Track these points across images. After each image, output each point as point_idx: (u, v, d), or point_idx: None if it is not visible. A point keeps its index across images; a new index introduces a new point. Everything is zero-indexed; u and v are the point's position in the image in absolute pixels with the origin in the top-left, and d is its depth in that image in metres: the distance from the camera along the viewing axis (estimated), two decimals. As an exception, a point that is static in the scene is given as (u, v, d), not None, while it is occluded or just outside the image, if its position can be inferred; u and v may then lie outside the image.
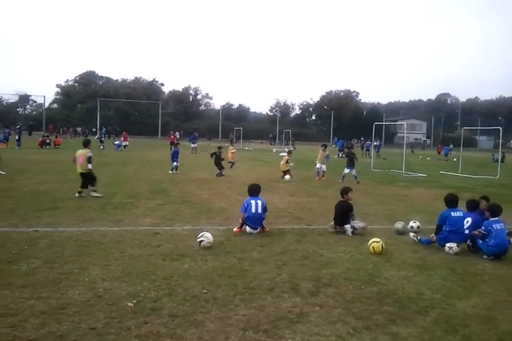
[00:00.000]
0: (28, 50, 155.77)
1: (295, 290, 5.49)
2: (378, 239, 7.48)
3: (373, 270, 6.51)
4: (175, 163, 19.70)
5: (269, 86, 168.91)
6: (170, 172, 19.44)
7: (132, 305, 4.84)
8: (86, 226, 8.61)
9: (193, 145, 38.74)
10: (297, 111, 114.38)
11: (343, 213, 8.88)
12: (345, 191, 9.27)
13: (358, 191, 10.20)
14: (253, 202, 8.58)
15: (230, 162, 22.53)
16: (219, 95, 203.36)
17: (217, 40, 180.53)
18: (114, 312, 4.62)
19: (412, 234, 8.42)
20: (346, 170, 18.75)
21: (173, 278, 5.77)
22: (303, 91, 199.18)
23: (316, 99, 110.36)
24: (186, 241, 7.64)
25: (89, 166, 12.33)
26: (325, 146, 20.77)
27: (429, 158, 43.89)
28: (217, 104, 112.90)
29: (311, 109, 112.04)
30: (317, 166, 20.04)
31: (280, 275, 6.08)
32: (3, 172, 16.58)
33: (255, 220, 8.50)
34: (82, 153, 12.51)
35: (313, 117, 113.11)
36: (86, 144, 12.92)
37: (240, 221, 8.59)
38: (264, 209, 8.65)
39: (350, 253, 7.35)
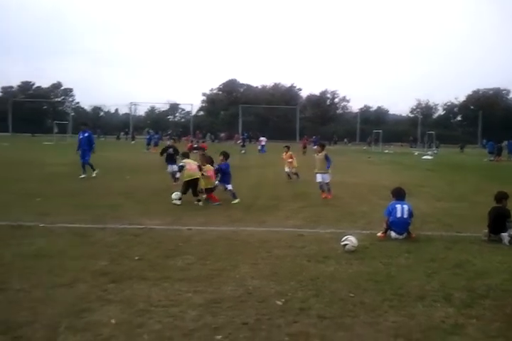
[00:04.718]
0: (177, 63, 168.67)
1: (447, 300, 5.20)
2: (541, 250, 6.79)
3: (536, 283, 5.92)
4: (229, 187, 12.40)
5: (410, 86, 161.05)
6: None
7: (281, 303, 4.97)
8: (234, 226, 9.05)
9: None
10: (440, 111, 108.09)
11: (499, 220, 8.18)
12: (504, 196, 8.52)
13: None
14: (399, 206, 8.30)
15: None
16: (356, 98, 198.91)
17: (355, 42, 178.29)
18: (265, 310, 4.78)
19: None
20: (169, 168, 16.40)
21: (319, 279, 5.82)
22: (447, 91, 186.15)
23: (462, 98, 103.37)
24: (330, 244, 7.65)
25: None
26: (322, 146, 14.60)
27: None
28: (354, 107, 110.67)
29: (455, 109, 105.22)
30: (317, 179, 13.71)
31: (430, 283, 5.80)
32: (94, 175, 17.17)
33: (401, 225, 8.22)
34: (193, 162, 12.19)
35: (459, 118, 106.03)
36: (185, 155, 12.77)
37: (384, 225, 8.36)
38: (411, 214, 8.31)
39: (507, 264, 6.75)
